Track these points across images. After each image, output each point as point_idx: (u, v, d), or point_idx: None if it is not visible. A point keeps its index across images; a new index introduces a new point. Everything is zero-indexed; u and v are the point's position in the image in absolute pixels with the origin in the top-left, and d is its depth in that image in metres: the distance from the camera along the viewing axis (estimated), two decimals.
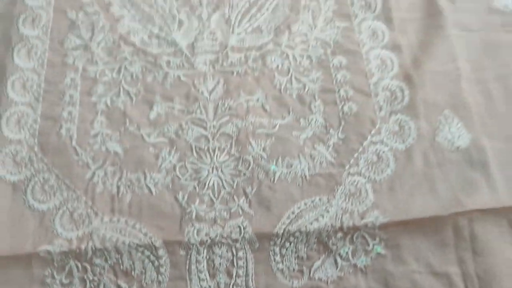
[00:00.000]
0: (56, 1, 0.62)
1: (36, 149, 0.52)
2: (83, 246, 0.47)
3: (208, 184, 0.51)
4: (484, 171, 0.52)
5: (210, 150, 0.53)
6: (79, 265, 0.46)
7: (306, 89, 0.57)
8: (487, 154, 0.53)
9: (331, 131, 0.54)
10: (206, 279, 0.47)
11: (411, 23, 0.63)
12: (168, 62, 0.58)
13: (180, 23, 0.61)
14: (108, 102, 0.55)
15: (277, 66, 0.58)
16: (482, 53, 0.61)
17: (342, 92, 0.57)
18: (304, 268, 0.47)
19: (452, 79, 0.58)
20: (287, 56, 0.59)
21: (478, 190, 0.51)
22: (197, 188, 0.50)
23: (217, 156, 0.52)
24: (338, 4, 0.63)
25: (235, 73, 0.58)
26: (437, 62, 0.59)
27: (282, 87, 0.57)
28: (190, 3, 0.62)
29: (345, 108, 0.56)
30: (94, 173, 0.51)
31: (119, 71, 0.57)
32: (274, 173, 0.51)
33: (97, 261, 0.46)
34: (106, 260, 0.46)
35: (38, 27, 0.60)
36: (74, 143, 0.52)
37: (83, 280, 0.46)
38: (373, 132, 0.54)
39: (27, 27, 0.60)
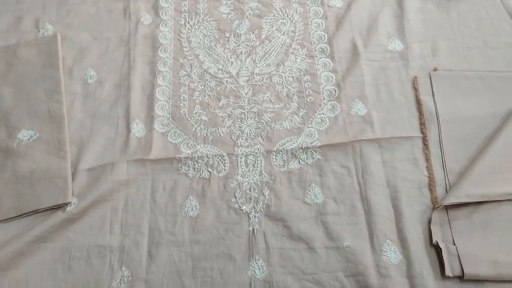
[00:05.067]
0: (174, 53, 1.31)
1: (170, 119, 1.19)
2: (193, 155, 1.12)
3: (245, 131, 1.15)
4: (370, 125, 1.13)
5: (246, 118, 1.18)
6: (191, 162, 1.11)
7: (290, 90, 1.21)
8: (373, 118, 1.14)
9: (300, 109, 1.18)
10: (244, 168, 1.10)
11: (343, 59, 1.25)
12: (227, 81, 1.24)
13: (231, 63, 1.28)
14: (200, 98, 1.21)
15: (277, 81, 1.23)
16: (378, 72, 1.23)
17: (306, 92, 1.20)
18: (285, 164, 1.10)
19: (360, 84, 1.20)
20: (282, 77, 1.24)
21: (366, 132, 1.12)
22: (240, 133, 1.15)
23: (248, 120, 1.17)
24: (308, 51, 1.28)
25: (257, 85, 1.23)
26: (353, 76, 1.21)
27: (279, 90, 1.21)
28: (236, 53, 1.29)
29: (307, 100, 1.19)
30: (195, 128, 1.16)
31: (204, 85, 1.24)
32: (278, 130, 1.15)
33: (199, 160, 1.11)
34: (202, 160, 1.11)
35: (166, 66, 1.29)
36: (186, 115, 1.19)
37: (193, 169, 1.11)
38: (319, 109, 1.17)
39: (161, 67, 1.28)
